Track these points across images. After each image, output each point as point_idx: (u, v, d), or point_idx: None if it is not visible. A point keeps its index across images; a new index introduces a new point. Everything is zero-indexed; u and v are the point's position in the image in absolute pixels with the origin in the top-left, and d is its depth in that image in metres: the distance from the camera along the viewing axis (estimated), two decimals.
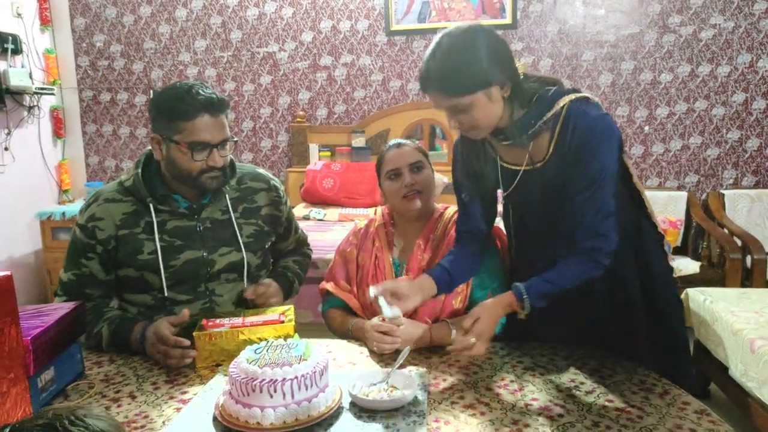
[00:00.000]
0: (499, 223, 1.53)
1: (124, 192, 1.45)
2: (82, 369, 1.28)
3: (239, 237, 1.48)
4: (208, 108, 1.35)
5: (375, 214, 1.64)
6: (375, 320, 1.37)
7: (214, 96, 1.36)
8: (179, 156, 1.37)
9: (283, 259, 1.71)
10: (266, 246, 1.59)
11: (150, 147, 1.44)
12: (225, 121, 1.40)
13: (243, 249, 1.49)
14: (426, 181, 1.50)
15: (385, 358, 1.32)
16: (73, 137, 4.11)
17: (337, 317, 1.53)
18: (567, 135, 1.20)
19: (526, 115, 1.23)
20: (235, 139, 1.45)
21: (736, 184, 3.69)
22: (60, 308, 1.25)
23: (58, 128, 4.00)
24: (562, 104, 1.21)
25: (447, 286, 1.36)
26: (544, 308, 1.22)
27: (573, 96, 1.22)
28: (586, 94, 1.24)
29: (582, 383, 1.20)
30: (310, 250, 1.81)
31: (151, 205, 1.42)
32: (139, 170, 1.45)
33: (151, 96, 1.40)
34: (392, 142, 1.57)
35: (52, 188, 3.97)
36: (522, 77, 1.24)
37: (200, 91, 1.35)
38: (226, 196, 1.50)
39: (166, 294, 1.43)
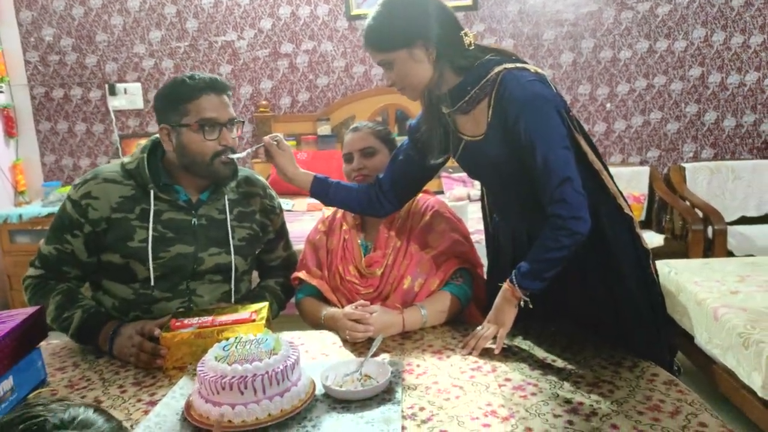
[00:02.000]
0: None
1: (126, 175, 1.42)
2: (44, 376, 1.22)
3: (231, 239, 1.47)
4: (211, 87, 1.37)
5: None
6: (348, 308, 1.37)
7: (216, 76, 1.41)
8: (191, 139, 1.37)
9: (268, 278, 1.66)
10: (255, 252, 1.58)
11: (158, 135, 1.44)
12: (229, 102, 1.42)
13: (233, 252, 1.47)
14: (375, 166, 1.51)
15: (358, 347, 1.31)
16: (27, 136, 3.94)
17: (310, 306, 1.52)
18: (501, 101, 1.21)
19: (464, 81, 1.26)
20: (242, 119, 1.46)
21: (695, 157, 3.79)
22: (18, 314, 1.20)
23: (10, 127, 3.83)
24: (497, 70, 1.22)
25: (319, 194, 1.45)
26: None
27: (510, 64, 1.23)
28: (526, 64, 1.25)
29: (554, 361, 1.21)
30: None
31: (152, 192, 1.39)
32: (145, 155, 1.42)
33: (156, 93, 1.41)
34: (355, 124, 1.59)
35: (7, 190, 3.82)
36: (473, 47, 1.25)
37: (200, 75, 1.39)
38: (226, 196, 1.48)
39: (152, 283, 1.40)
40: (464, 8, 3.64)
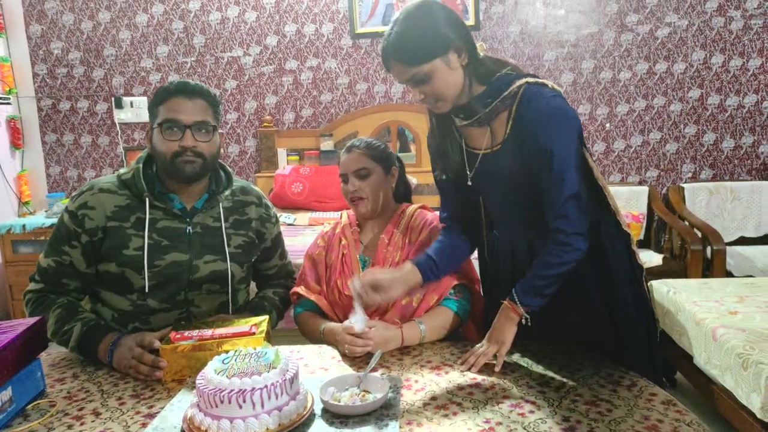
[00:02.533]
0: None
1: (121, 185, 1.45)
2: (44, 387, 1.23)
3: (226, 247, 1.48)
4: (181, 90, 1.39)
5: (341, 217, 1.65)
6: (347, 323, 1.37)
7: (192, 82, 1.43)
8: (157, 139, 1.41)
9: (265, 288, 1.68)
10: (252, 259, 1.59)
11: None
12: (204, 107, 1.41)
13: (228, 259, 1.48)
14: (371, 187, 1.52)
15: (357, 362, 1.32)
16: (33, 147, 3.98)
17: (309, 320, 1.53)
18: (522, 114, 1.22)
19: (484, 93, 1.25)
20: (214, 125, 1.45)
21: (694, 178, 3.81)
22: (19, 324, 1.21)
23: (16, 138, 3.87)
24: (518, 84, 1.23)
25: (432, 273, 1.37)
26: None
27: (531, 79, 1.24)
28: (545, 80, 1.26)
29: (552, 379, 1.21)
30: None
31: (146, 200, 1.42)
32: (140, 165, 1.44)
33: None
34: (349, 142, 1.59)
35: (12, 200, 3.84)
36: (481, 56, 1.26)
37: (180, 80, 1.43)
38: (220, 204, 1.50)
39: (147, 290, 1.40)
40: None
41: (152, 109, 1.43)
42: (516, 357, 1.32)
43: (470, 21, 3.70)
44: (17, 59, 3.87)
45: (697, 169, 3.81)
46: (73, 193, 1.47)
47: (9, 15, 3.82)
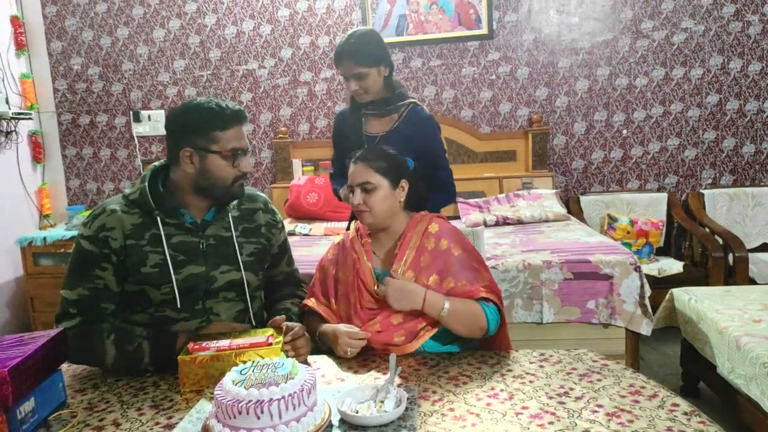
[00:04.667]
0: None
1: (130, 204, 1.45)
2: (65, 397, 1.25)
3: (239, 256, 1.50)
4: (239, 118, 1.45)
5: (349, 228, 1.64)
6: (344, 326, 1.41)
7: (240, 108, 1.48)
8: (217, 165, 1.42)
9: (280, 299, 1.66)
10: (265, 266, 1.60)
11: (156, 164, 1.50)
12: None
13: (242, 268, 1.49)
14: (373, 201, 1.49)
15: (375, 373, 1.31)
16: (53, 161, 4.06)
17: (308, 323, 1.53)
18: (413, 119, 1.98)
19: (389, 98, 1.98)
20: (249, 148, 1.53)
21: (714, 184, 3.76)
22: (41, 336, 1.23)
23: (37, 153, 3.96)
24: (409, 101, 2.02)
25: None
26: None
27: (416, 100, 2.05)
28: (419, 103, 2.07)
29: (571, 389, 1.20)
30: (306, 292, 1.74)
31: (158, 218, 1.43)
32: (146, 184, 1.45)
33: (171, 115, 1.46)
34: (360, 151, 1.57)
35: (33, 213, 3.92)
36: (393, 75, 2.01)
37: (228, 105, 1.45)
38: (230, 214, 1.52)
39: (178, 305, 1.42)
40: (480, 37, 3.70)
41: (205, 132, 1.40)
42: (535, 368, 1.31)
43: (483, 30, 3.70)
44: (38, 75, 3.96)
45: (717, 175, 3.76)
46: (84, 220, 1.45)
47: (31, 33, 3.92)
